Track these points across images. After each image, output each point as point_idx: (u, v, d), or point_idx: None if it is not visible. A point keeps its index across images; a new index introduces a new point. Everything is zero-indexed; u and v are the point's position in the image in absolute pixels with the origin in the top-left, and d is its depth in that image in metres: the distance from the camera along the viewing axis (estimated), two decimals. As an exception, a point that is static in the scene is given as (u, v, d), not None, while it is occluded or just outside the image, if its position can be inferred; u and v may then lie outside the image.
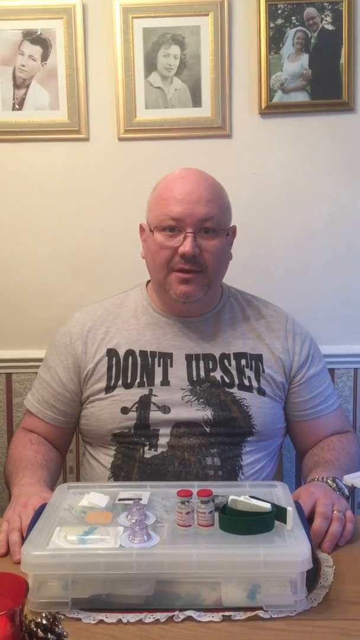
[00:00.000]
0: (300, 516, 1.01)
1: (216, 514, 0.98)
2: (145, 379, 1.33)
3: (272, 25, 1.68)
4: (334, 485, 1.19)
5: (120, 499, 1.06)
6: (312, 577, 0.96)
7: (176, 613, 0.89)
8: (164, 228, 1.30)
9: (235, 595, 0.90)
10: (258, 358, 1.37)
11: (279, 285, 1.77)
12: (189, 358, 1.35)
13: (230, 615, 0.88)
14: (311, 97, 1.71)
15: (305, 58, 1.70)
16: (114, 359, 1.35)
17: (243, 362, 1.36)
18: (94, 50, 1.72)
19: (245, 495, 0.98)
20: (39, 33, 1.70)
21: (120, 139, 1.74)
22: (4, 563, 1.02)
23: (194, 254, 1.27)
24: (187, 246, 1.27)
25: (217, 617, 0.88)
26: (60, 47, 1.70)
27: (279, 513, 0.96)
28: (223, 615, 0.88)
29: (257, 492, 1.04)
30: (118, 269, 1.77)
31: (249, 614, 0.89)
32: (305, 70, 1.70)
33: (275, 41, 1.69)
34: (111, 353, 1.35)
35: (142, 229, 1.40)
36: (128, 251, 1.73)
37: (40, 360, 1.45)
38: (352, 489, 1.19)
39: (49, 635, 0.73)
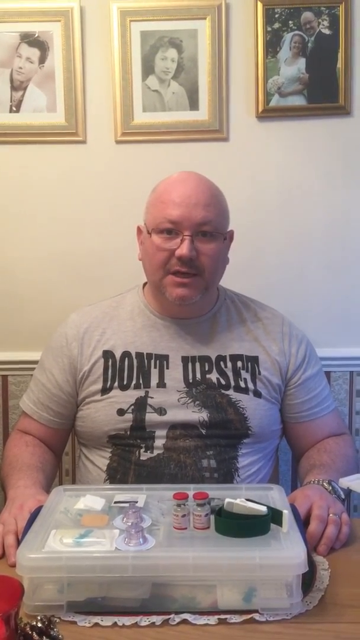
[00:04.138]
0: (296, 519, 1.01)
1: (212, 517, 0.98)
2: (141, 381, 1.33)
3: (269, 29, 1.69)
4: (330, 488, 1.19)
5: (116, 502, 1.06)
6: (308, 580, 0.96)
7: (172, 616, 0.88)
8: (161, 230, 1.30)
9: (231, 598, 0.90)
10: (254, 360, 1.37)
11: (275, 288, 1.77)
12: (185, 360, 1.35)
13: (226, 618, 0.88)
14: (308, 100, 1.72)
15: (302, 62, 1.70)
16: (110, 360, 1.35)
17: (239, 364, 1.36)
18: (92, 53, 1.72)
19: (241, 498, 0.98)
20: (36, 35, 1.70)
21: (118, 142, 1.74)
22: (-1, 566, 1.02)
23: (191, 257, 1.27)
24: (184, 249, 1.27)
25: (212, 620, 0.88)
26: (57, 50, 1.70)
27: (274, 516, 0.96)
28: (219, 618, 0.88)
29: (253, 494, 1.04)
30: (115, 271, 1.77)
31: (245, 616, 0.88)
32: (302, 74, 1.71)
33: (272, 45, 1.69)
34: (107, 355, 1.35)
35: (139, 231, 1.40)
36: (125, 254, 1.73)
37: (36, 362, 1.45)
38: (348, 491, 1.19)
39: (44, 639, 0.73)
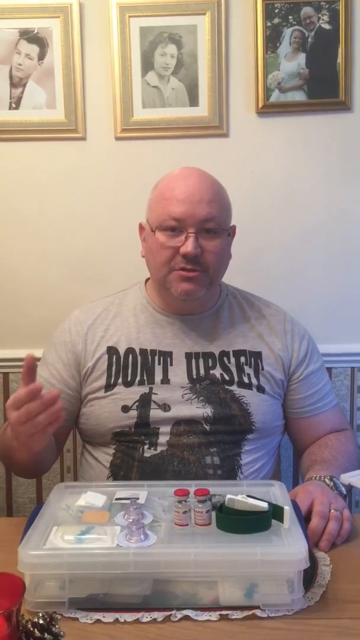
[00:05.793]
0: (298, 515, 1.01)
1: (213, 513, 0.98)
2: (145, 377, 1.33)
3: (269, 24, 1.68)
4: (332, 484, 1.19)
5: (117, 499, 1.06)
6: (309, 576, 0.96)
7: (173, 612, 0.88)
8: (165, 228, 1.30)
9: (232, 594, 0.91)
10: (257, 355, 1.37)
11: (276, 284, 1.77)
12: (188, 356, 1.35)
13: (227, 614, 0.88)
14: (308, 96, 1.71)
15: (302, 57, 1.70)
16: (114, 356, 1.35)
17: (242, 359, 1.36)
18: (91, 49, 1.72)
19: (242, 495, 0.98)
20: (35, 32, 1.70)
21: (117, 138, 1.74)
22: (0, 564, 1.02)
23: (196, 254, 1.27)
24: (189, 246, 1.27)
25: (214, 616, 0.88)
26: (57, 46, 1.70)
27: (276, 512, 0.96)
28: (220, 614, 0.88)
29: (254, 491, 1.04)
30: (115, 268, 1.77)
31: (246, 612, 0.89)
32: (302, 69, 1.70)
33: (272, 40, 1.69)
34: (111, 351, 1.35)
35: (141, 228, 1.40)
36: (125, 250, 1.73)
37: (37, 359, 1.44)
38: (350, 487, 1.19)
39: (46, 635, 0.73)
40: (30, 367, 1.06)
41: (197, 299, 1.33)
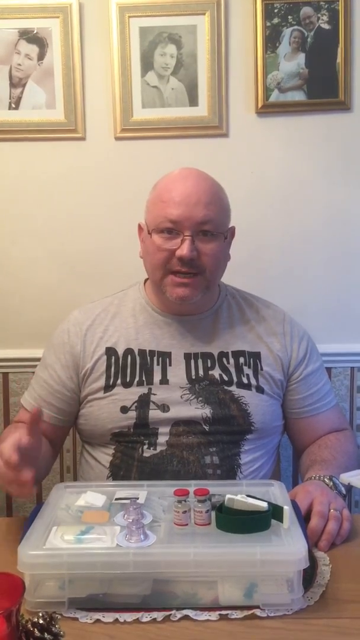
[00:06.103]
0: (297, 515, 1.01)
1: (213, 513, 0.98)
2: (144, 378, 1.33)
3: (268, 24, 1.68)
4: (331, 483, 1.19)
5: (117, 499, 1.06)
6: (309, 575, 0.96)
7: (173, 612, 0.89)
8: (161, 230, 1.29)
9: (232, 594, 0.91)
10: (256, 356, 1.37)
11: (275, 284, 1.77)
12: (187, 357, 1.35)
13: (227, 614, 0.88)
14: (308, 96, 1.71)
15: (301, 57, 1.70)
16: (113, 357, 1.35)
17: (241, 360, 1.36)
18: (91, 49, 1.72)
19: (242, 494, 0.98)
20: (35, 32, 1.70)
21: (117, 139, 1.74)
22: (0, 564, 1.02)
23: (191, 257, 1.27)
24: (184, 249, 1.27)
25: (214, 616, 0.88)
26: (56, 46, 1.70)
27: (275, 512, 0.96)
28: (220, 614, 0.88)
29: (254, 491, 1.04)
30: (115, 268, 1.77)
31: (246, 612, 0.89)
32: (301, 69, 1.70)
33: (271, 40, 1.69)
34: (110, 352, 1.35)
35: (140, 228, 1.39)
36: (125, 251, 1.73)
37: (37, 359, 1.45)
38: (349, 487, 1.19)
39: (46, 635, 0.73)
40: (35, 419, 1.04)
41: (193, 303, 1.33)
